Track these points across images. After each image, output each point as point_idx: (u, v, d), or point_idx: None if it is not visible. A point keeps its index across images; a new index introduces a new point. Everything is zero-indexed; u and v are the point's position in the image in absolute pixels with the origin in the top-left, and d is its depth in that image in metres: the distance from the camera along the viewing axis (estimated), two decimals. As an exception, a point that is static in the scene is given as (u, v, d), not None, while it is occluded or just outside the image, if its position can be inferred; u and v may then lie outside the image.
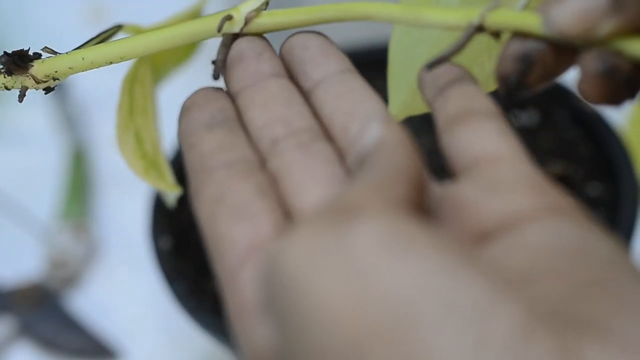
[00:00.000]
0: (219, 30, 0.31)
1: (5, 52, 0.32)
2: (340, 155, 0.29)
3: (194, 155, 0.29)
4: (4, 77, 0.32)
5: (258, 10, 0.31)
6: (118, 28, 0.33)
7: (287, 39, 0.31)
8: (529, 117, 0.52)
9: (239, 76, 0.31)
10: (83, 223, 0.60)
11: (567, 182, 0.49)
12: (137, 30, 0.34)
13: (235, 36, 0.31)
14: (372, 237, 0.23)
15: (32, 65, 0.32)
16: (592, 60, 0.28)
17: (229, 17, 0.31)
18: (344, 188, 0.26)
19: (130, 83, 0.35)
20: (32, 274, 0.59)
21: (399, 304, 0.22)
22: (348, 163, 0.29)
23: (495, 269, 0.24)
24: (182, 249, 0.49)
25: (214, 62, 0.32)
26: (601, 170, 0.49)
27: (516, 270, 0.24)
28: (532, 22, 0.28)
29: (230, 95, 0.31)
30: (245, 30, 0.31)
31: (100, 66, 0.32)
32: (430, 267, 0.22)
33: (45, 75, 0.32)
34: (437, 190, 0.28)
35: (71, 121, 0.67)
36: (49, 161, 0.65)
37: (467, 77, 0.30)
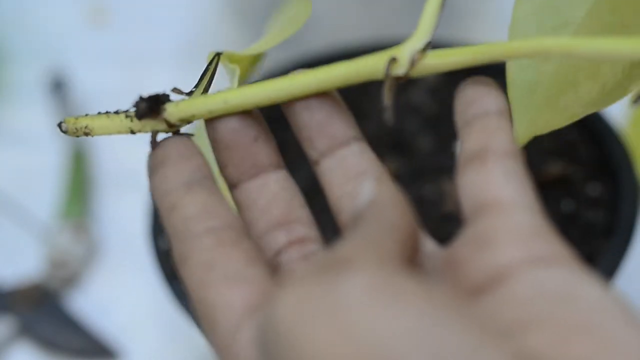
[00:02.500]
0: (386, 74, 0.29)
1: (141, 97, 0.30)
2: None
3: (176, 219, 0.29)
4: (131, 120, 0.30)
5: (424, 50, 0.29)
6: (218, 55, 0.32)
7: (292, 102, 0.30)
8: (529, 117, 0.52)
9: (235, 164, 0.31)
10: (83, 223, 0.60)
11: (567, 182, 0.49)
12: (234, 57, 0.32)
13: (398, 79, 0.29)
14: (360, 288, 0.23)
15: (165, 110, 0.30)
16: None
17: (393, 59, 0.29)
18: (336, 245, 0.26)
19: None
20: (32, 274, 0.59)
21: (388, 352, 0.22)
22: (341, 222, 0.29)
23: (483, 321, 0.24)
24: (182, 249, 0.49)
25: (384, 109, 0.31)
26: (601, 170, 0.49)
27: (505, 321, 0.24)
28: None
29: (226, 183, 0.31)
30: (412, 73, 0.29)
31: (245, 109, 0.30)
32: (418, 316, 0.23)
33: (180, 119, 0.30)
34: (434, 249, 0.29)
35: (71, 121, 0.67)
36: (49, 161, 0.65)
37: (496, 105, 0.29)
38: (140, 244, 0.52)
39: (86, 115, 0.31)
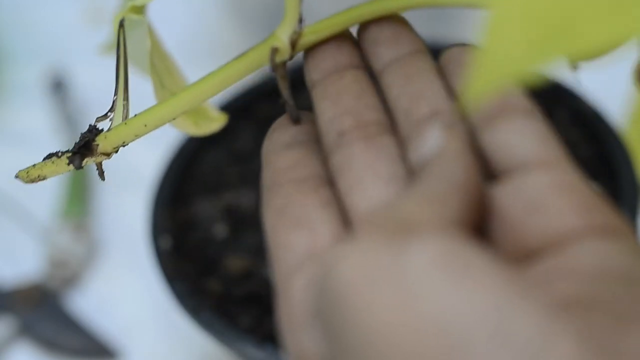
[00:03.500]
0: (272, 64, 0.31)
1: (73, 151, 0.32)
2: (403, 147, 0.29)
3: (268, 172, 0.30)
4: (68, 164, 0.32)
5: (298, 31, 0.31)
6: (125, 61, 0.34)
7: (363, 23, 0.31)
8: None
9: (317, 67, 0.31)
10: (83, 223, 0.60)
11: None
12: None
13: (284, 64, 0.31)
14: (427, 259, 0.23)
15: (98, 145, 0.32)
16: None
17: (275, 49, 0.31)
18: (401, 197, 0.26)
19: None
20: (32, 274, 0.59)
21: (453, 331, 0.22)
22: (409, 157, 0.28)
23: (546, 295, 0.23)
24: (182, 249, 0.49)
25: (284, 105, 0.32)
26: (601, 170, 0.49)
27: (565, 296, 0.24)
28: None
29: (307, 83, 0.31)
30: (294, 53, 0.31)
31: (163, 125, 0.32)
32: (486, 295, 0.22)
33: (113, 148, 0.33)
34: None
35: (71, 121, 0.67)
36: (49, 161, 0.65)
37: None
38: (140, 244, 0.52)
39: (34, 165, 0.35)
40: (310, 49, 0.31)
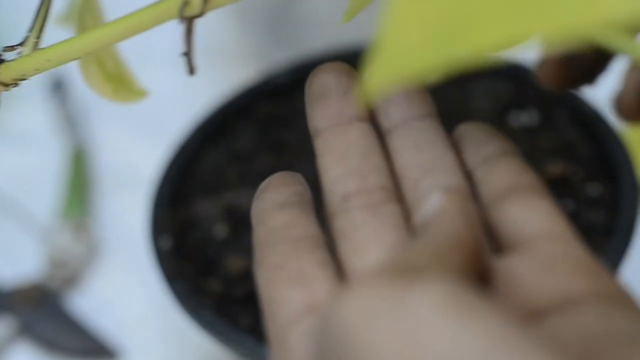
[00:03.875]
0: (181, 16, 0.31)
1: None
2: (407, 216, 0.29)
3: (262, 230, 0.30)
4: None
5: None
6: None
7: None
8: (528, 117, 0.52)
9: (320, 114, 0.31)
10: (83, 223, 0.60)
11: (567, 182, 0.49)
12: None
13: (194, 18, 0.31)
14: (432, 301, 0.23)
15: None
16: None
17: (186, 1, 0.31)
18: (403, 252, 0.27)
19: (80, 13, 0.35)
20: (32, 274, 0.59)
21: None
22: (412, 224, 0.29)
23: (552, 344, 0.23)
24: (182, 249, 0.49)
25: (185, 54, 0.32)
26: (601, 170, 0.49)
27: (569, 348, 0.24)
28: None
29: (310, 131, 0.31)
30: (207, 9, 0.31)
31: (67, 63, 0.32)
32: (490, 336, 0.22)
33: (13, 79, 0.32)
34: (489, 261, 0.28)
35: (71, 121, 0.67)
36: (49, 161, 0.65)
37: (514, 150, 0.30)
38: (140, 244, 0.52)
39: None
40: (315, 93, 0.31)
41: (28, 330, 0.57)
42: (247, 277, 0.50)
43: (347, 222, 0.29)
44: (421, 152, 0.30)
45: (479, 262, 0.27)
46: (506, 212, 0.29)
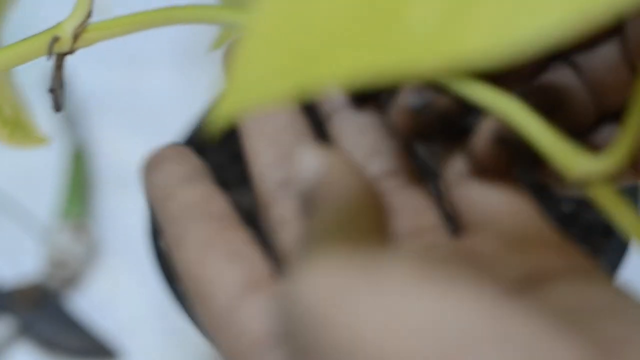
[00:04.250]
0: (50, 52, 0.30)
1: None
2: None
3: (173, 205, 0.28)
4: None
5: (84, 25, 0.30)
6: None
7: None
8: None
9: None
10: (83, 223, 0.60)
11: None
12: None
13: (64, 55, 0.31)
14: (405, 270, 0.22)
15: None
16: (408, 94, 0.27)
17: (56, 38, 0.30)
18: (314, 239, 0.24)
19: None
20: (32, 274, 0.59)
21: (448, 335, 0.20)
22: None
23: (541, 308, 0.23)
24: (182, 249, 0.49)
25: (52, 91, 0.31)
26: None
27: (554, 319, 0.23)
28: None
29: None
30: (76, 47, 0.31)
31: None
32: (474, 306, 0.21)
33: None
34: (448, 242, 0.27)
35: (71, 121, 0.67)
36: (49, 161, 0.65)
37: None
38: (140, 244, 0.52)
39: None
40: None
41: (28, 330, 0.57)
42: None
43: (286, 211, 0.27)
44: (365, 136, 0.29)
45: (385, 219, 0.25)
46: (469, 191, 0.28)
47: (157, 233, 0.49)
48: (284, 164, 0.28)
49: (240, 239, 0.27)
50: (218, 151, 0.54)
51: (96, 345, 0.56)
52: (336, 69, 0.20)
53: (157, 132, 0.64)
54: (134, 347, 0.56)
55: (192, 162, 0.29)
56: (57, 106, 0.30)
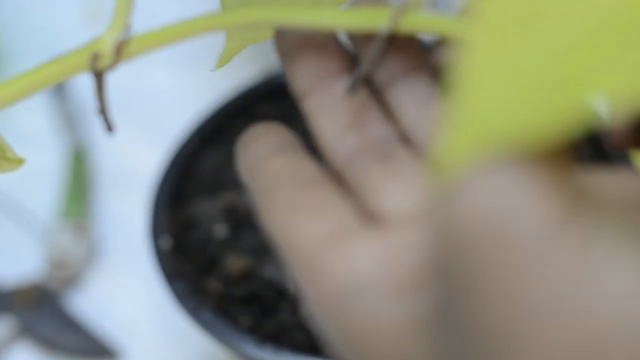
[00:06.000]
0: (92, 70, 0.29)
1: None
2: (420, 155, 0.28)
3: (261, 179, 0.28)
4: None
5: (126, 38, 0.29)
6: None
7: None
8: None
9: (300, 75, 0.30)
10: (83, 223, 0.60)
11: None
12: None
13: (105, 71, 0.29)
14: (617, 237, 0.19)
15: None
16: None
17: (97, 55, 0.28)
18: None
19: None
20: (32, 274, 0.59)
21: None
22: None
23: None
24: (182, 249, 0.49)
25: (101, 112, 0.29)
26: (600, 169, 0.49)
27: None
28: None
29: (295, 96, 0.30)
30: (119, 60, 0.29)
31: None
32: None
33: None
34: None
35: (71, 121, 0.67)
36: (49, 161, 0.65)
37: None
38: (140, 244, 0.52)
39: None
40: (291, 55, 0.30)
41: (28, 330, 0.57)
42: (247, 277, 0.50)
43: (362, 176, 0.27)
44: (428, 108, 0.28)
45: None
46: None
47: (157, 233, 0.49)
48: (348, 135, 0.28)
49: (327, 196, 0.27)
50: (218, 151, 0.54)
51: (96, 345, 0.56)
52: (600, 89, 0.18)
53: (157, 132, 0.64)
54: (134, 347, 0.56)
55: (280, 134, 0.29)
56: (109, 126, 0.29)
